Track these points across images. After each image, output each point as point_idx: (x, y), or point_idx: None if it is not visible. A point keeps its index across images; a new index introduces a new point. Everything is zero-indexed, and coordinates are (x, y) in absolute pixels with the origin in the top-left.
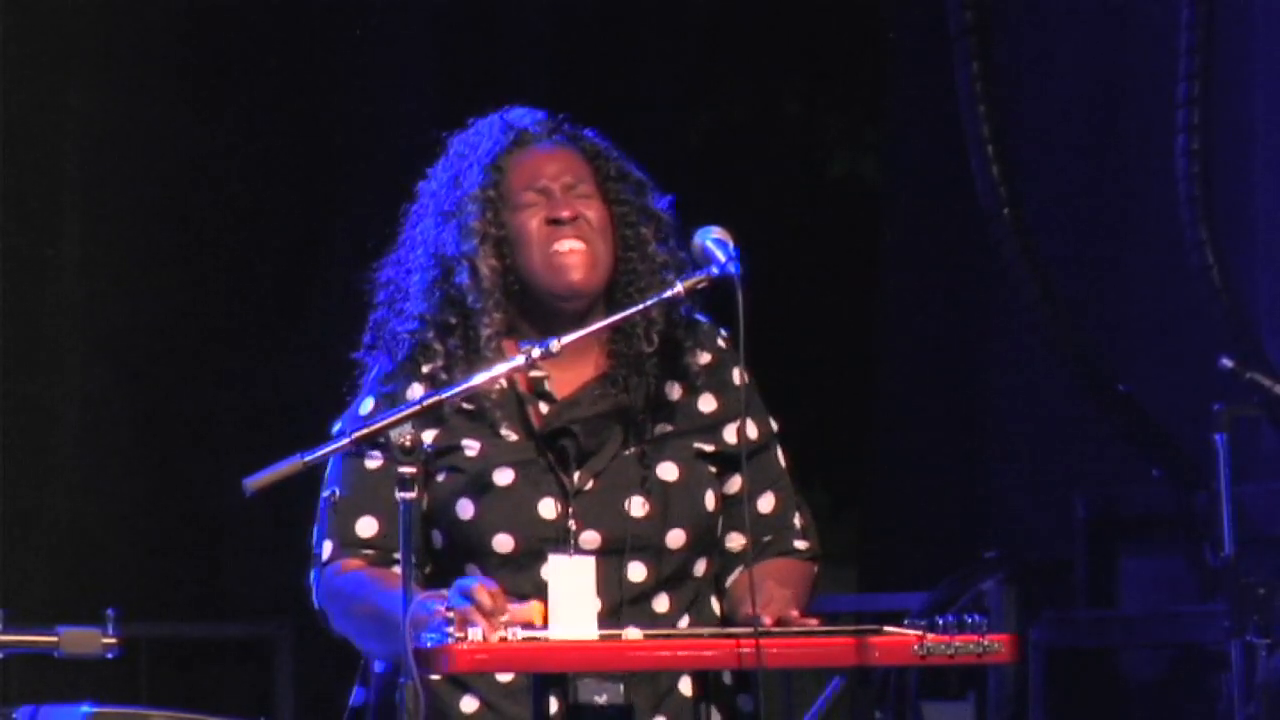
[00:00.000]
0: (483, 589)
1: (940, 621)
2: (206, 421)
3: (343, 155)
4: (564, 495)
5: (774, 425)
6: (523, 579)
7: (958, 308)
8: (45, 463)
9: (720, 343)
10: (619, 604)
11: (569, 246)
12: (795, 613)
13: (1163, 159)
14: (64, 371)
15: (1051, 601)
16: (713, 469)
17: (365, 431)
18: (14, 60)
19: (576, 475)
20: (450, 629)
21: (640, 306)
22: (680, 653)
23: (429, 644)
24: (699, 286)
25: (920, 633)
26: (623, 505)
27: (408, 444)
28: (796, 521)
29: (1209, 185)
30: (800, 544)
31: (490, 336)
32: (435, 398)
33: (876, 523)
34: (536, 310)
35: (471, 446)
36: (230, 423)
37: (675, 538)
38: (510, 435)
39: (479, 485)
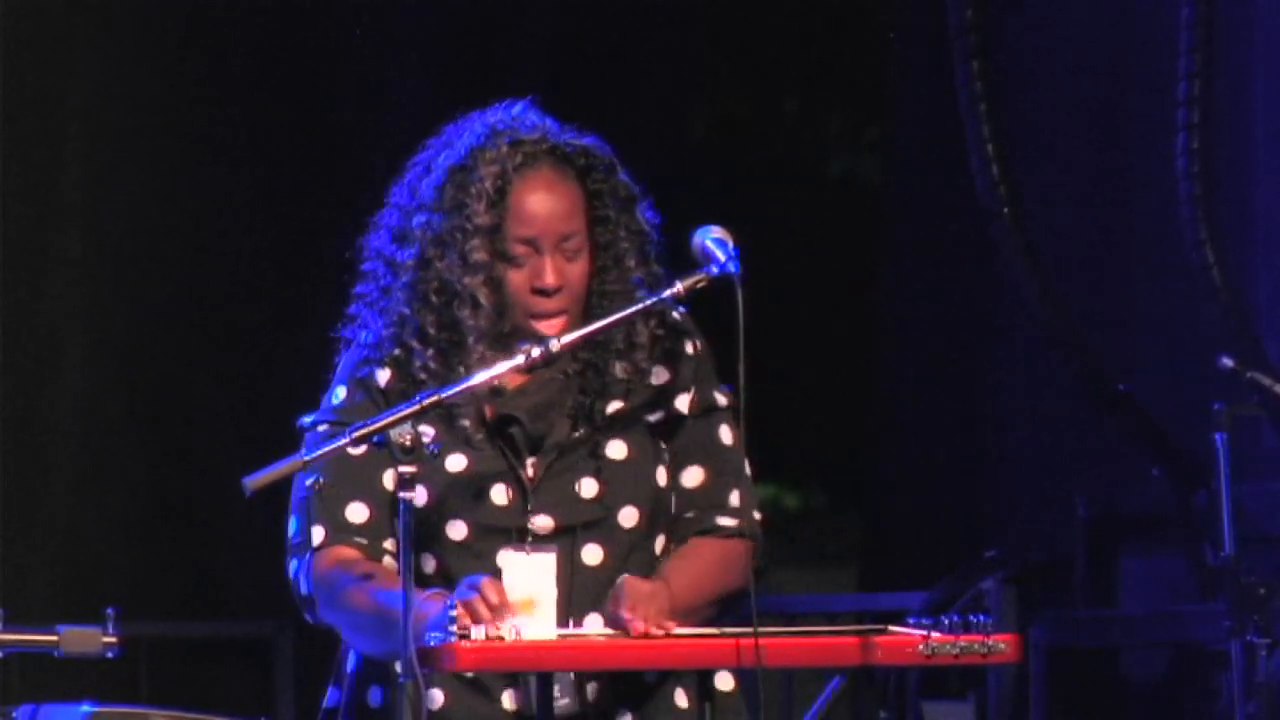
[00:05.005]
0: (490, 585)
1: (945, 621)
2: (206, 421)
3: (344, 153)
4: (517, 481)
5: (724, 400)
6: (481, 566)
7: (958, 307)
8: (45, 463)
9: (675, 315)
10: (576, 589)
11: (547, 325)
12: (670, 624)
13: (1163, 159)
14: (64, 371)
15: (1051, 601)
16: (663, 444)
17: (365, 430)
18: (14, 57)
19: (530, 462)
20: (454, 627)
21: (636, 308)
22: (683, 653)
23: (433, 642)
24: (698, 286)
25: (925, 632)
26: (573, 488)
27: (407, 443)
28: (734, 499)
29: (1209, 185)
30: (725, 520)
31: (479, 358)
32: (434, 397)
33: (876, 523)
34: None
35: (427, 433)
36: (230, 423)
37: (628, 515)
38: (464, 424)
39: (433, 471)
